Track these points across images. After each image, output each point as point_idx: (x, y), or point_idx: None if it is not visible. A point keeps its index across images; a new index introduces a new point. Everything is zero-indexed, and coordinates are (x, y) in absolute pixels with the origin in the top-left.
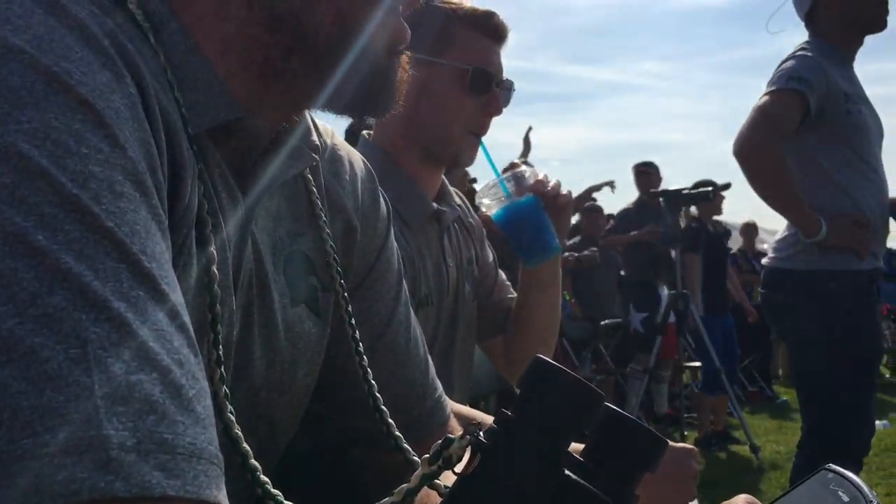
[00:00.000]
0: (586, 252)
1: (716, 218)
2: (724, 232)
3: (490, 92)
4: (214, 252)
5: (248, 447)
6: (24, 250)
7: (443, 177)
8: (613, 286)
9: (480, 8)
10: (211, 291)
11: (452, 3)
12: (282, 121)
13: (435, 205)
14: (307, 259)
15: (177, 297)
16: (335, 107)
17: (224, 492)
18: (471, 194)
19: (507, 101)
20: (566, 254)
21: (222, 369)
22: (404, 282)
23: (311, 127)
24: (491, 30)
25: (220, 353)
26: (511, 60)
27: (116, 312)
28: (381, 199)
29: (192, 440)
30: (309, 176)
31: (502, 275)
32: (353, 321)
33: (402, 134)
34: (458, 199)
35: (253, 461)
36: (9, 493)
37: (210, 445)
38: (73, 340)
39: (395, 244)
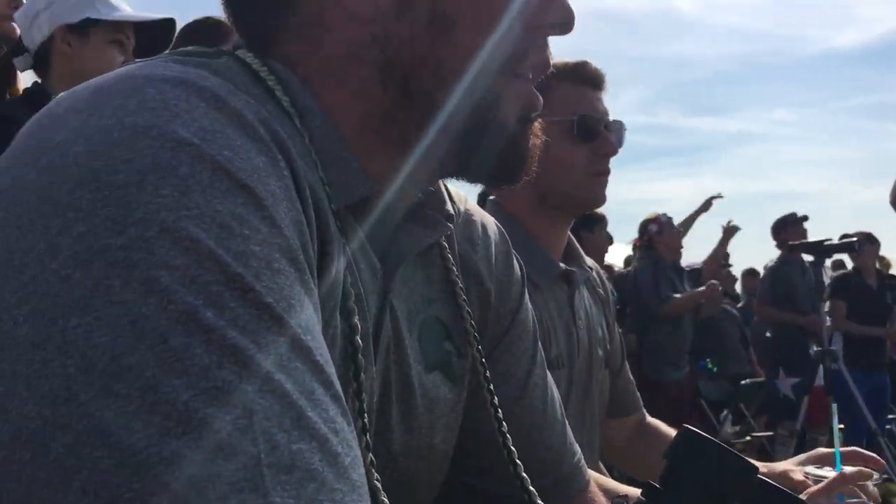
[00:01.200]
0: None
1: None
2: (887, 283)
3: (600, 135)
4: (358, 323)
5: None
6: (195, 327)
7: (572, 237)
8: (736, 340)
9: (571, 61)
10: (355, 361)
11: None
12: (420, 192)
13: (563, 265)
14: (441, 324)
15: (330, 368)
16: (469, 176)
17: None
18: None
19: (620, 142)
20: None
21: (367, 436)
22: (540, 344)
23: (446, 195)
24: (587, 78)
25: (366, 420)
26: (632, 115)
27: (278, 384)
28: (515, 262)
29: None
30: (444, 243)
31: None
32: (492, 386)
33: (527, 197)
34: (589, 263)
35: None
36: None
37: None
38: (240, 411)
39: (529, 306)
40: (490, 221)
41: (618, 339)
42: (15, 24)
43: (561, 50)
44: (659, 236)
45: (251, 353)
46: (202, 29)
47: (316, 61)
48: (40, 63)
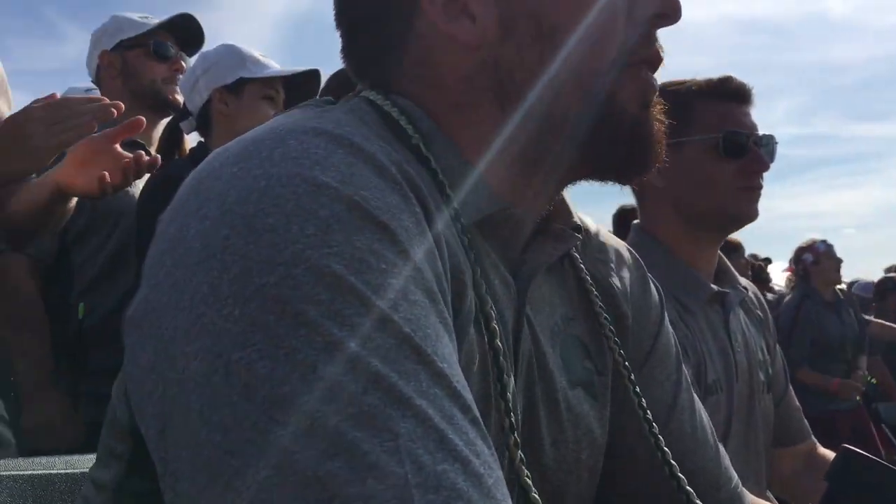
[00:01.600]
0: None
1: None
2: None
3: (749, 151)
4: (500, 345)
5: None
6: (341, 357)
7: (724, 257)
8: None
9: (714, 78)
10: (501, 381)
11: (686, 82)
12: (547, 204)
13: (715, 286)
14: (581, 343)
15: (467, 393)
16: (600, 173)
17: None
18: (758, 273)
19: (771, 156)
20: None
21: (521, 452)
22: (685, 368)
23: (571, 209)
24: (732, 93)
25: (517, 436)
26: (787, 126)
27: (420, 409)
28: (652, 286)
29: None
30: (576, 254)
31: (789, 386)
32: (643, 402)
33: (672, 219)
34: (744, 283)
35: None
36: None
37: None
38: (387, 434)
39: (670, 330)
40: (621, 245)
41: (780, 363)
42: (178, 91)
43: (708, 66)
44: (815, 266)
45: (393, 380)
46: (344, 77)
47: (433, 95)
48: (202, 124)
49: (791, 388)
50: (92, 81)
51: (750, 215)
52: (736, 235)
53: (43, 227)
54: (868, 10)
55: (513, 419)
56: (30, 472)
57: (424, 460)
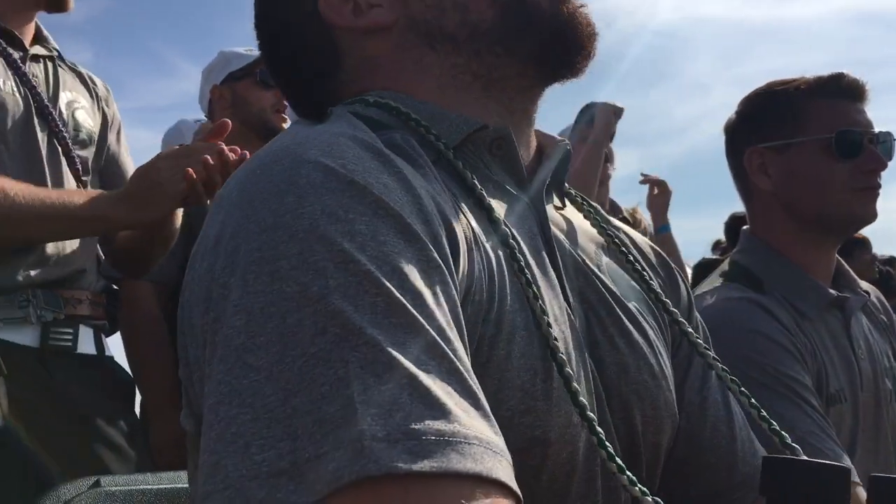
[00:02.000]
0: None
1: None
2: None
3: (864, 150)
4: (518, 241)
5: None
6: (305, 302)
7: (842, 261)
8: None
9: (825, 75)
10: (516, 259)
11: (794, 81)
12: (525, 122)
13: (833, 291)
14: (622, 275)
15: (431, 322)
16: (550, 75)
17: (502, 466)
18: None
19: (889, 154)
20: None
21: (561, 349)
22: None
23: (555, 137)
24: (844, 91)
25: (541, 304)
26: None
27: (370, 337)
28: (681, 281)
29: (439, 428)
30: (594, 213)
31: None
32: (696, 340)
33: (783, 223)
34: (866, 287)
35: (590, 413)
36: (302, 488)
37: (463, 429)
38: (339, 364)
39: (701, 322)
40: (645, 243)
41: None
42: (288, 120)
43: (823, 62)
44: None
45: (348, 314)
46: None
47: (378, 78)
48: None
49: None
50: (205, 116)
51: (867, 217)
52: (863, 233)
53: (152, 249)
54: None
55: (538, 299)
56: (157, 487)
57: (370, 382)
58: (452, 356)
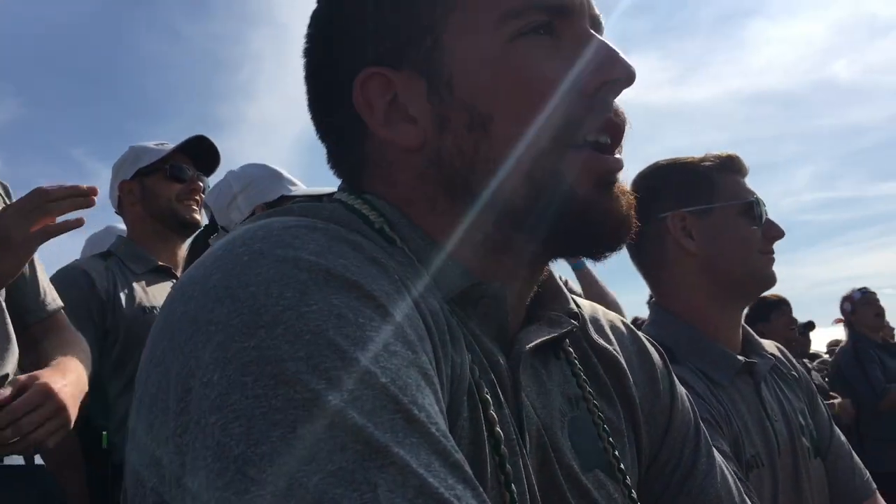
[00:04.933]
0: None
1: None
2: None
3: (766, 219)
4: (493, 414)
5: None
6: (319, 413)
7: (747, 327)
8: None
9: (725, 153)
10: (498, 452)
11: (697, 158)
12: (528, 283)
13: (742, 358)
14: (593, 424)
15: (448, 440)
16: (567, 252)
17: None
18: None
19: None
20: None
21: None
22: (704, 432)
23: (567, 296)
24: (740, 168)
25: None
26: (811, 193)
27: (397, 457)
28: (652, 352)
29: None
30: (570, 349)
31: (840, 437)
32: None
33: (695, 289)
34: (772, 350)
35: None
36: None
37: None
38: (366, 487)
39: (683, 392)
40: (617, 319)
41: (825, 416)
42: (197, 211)
43: (722, 140)
44: (854, 315)
45: (370, 431)
46: None
47: (393, 192)
48: None
49: (842, 439)
50: (115, 212)
51: (773, 279)
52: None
53: None
54: (875, 71)
55: (514, 493)
56: None
57: None
58: (472, 476)
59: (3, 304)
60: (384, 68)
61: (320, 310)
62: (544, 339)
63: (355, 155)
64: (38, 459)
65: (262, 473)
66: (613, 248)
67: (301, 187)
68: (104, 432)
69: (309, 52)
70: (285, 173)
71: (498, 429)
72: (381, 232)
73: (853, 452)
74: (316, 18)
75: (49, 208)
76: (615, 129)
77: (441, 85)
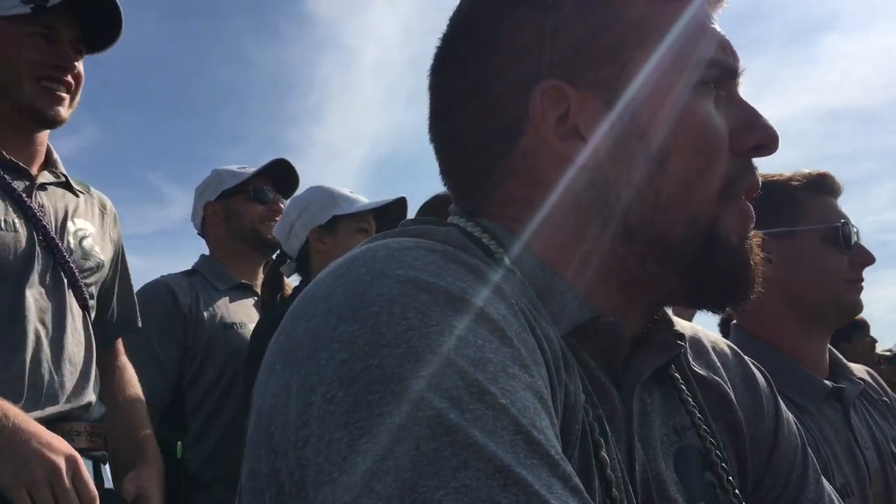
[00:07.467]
0: None
1: None
2: None
3: (857, 244)
4: (606, 456)
5: None
6: (441, 430)
7: (834, 350)
8: None
9: (815, 171)
10: (610, 495)
11: (784, 176)
12: (646, 321)
13: (829, 383)
14: (700, 454)
15: (566, 464)
16: (696, 302)
17: None
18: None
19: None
20: None
21: None
22: (812, 459)
23: (672, 319)
24: (832, 187)
25: None
26: (892, 212)
27: (520, 478)
28: (758, 376)
29: None
30: (676, 374)
31: None
32: None
33: (777, 314)
34: (862, 374)
35: None
36: None
37: None
38: None
39: (790, 417)
40: (721, 342)
41: None
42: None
43: (799, 159)
44: None
45: (491, 450)
46: (437, 203)
47: (532, 213)
48: (302, 265)
49: None
50: (198, 233)
51: (857, 307)
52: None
53: None
54: None
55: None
56: None
57: None
58: (590, 501)
59: (91, 324)
60: (562, 82)
61: (441, 331)
62: (655, 368)
63: (499, 167)
64: (107, 482)
65: (388, 489)
66: (740, 300)
67: (363, 200)
68: (178, 442)
69: (453, 60)
70: (341, 191)
71: (609, 471)
72: (494, 255)
73: None
74: (468, 26)
75: (58, 492)
76: (757, 191)
77: (623, 111)
